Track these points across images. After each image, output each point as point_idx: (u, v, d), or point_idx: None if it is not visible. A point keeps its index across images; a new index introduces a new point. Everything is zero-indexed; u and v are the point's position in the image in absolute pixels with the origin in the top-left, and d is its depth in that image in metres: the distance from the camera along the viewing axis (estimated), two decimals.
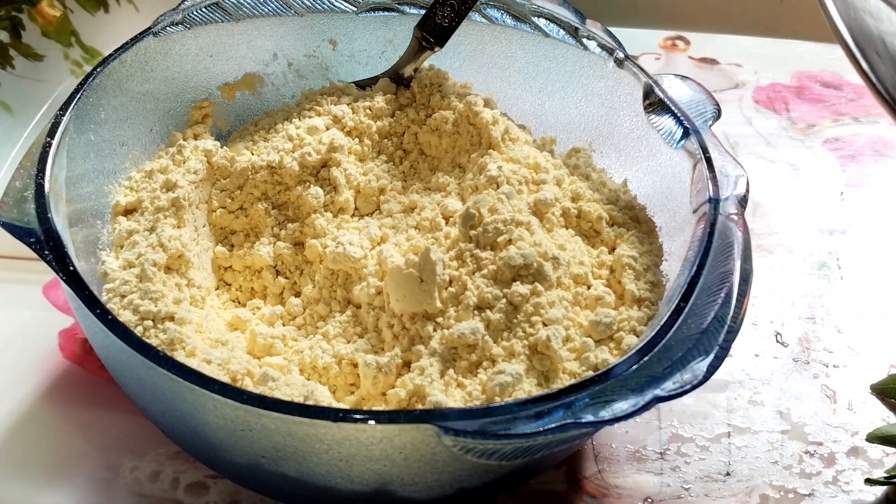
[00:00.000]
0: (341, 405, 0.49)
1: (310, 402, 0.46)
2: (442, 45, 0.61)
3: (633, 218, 0.57)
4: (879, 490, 0.55)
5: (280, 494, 0.50)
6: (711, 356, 0.43)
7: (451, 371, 0.48)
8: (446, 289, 0.50)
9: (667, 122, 0.56)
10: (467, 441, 0.40)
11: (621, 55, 0.60)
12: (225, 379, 0.47)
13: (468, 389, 0.47)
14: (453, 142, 0.61)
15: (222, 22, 0.61)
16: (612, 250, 0.55)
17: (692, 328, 0.44)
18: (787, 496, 0.54)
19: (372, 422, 0.40)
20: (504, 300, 0.49)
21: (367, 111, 0.62)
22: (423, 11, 0.62)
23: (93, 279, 0.48)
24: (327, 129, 0.60)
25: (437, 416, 0.40)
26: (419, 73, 0.63)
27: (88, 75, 0.54)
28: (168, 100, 0.60)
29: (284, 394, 0.46)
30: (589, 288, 0.52)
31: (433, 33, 0.61)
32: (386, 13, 0.65)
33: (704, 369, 0.42)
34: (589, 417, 0.40)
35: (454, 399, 0.47)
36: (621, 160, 0.60)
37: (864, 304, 0.66)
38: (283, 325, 0.55)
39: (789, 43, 0.90)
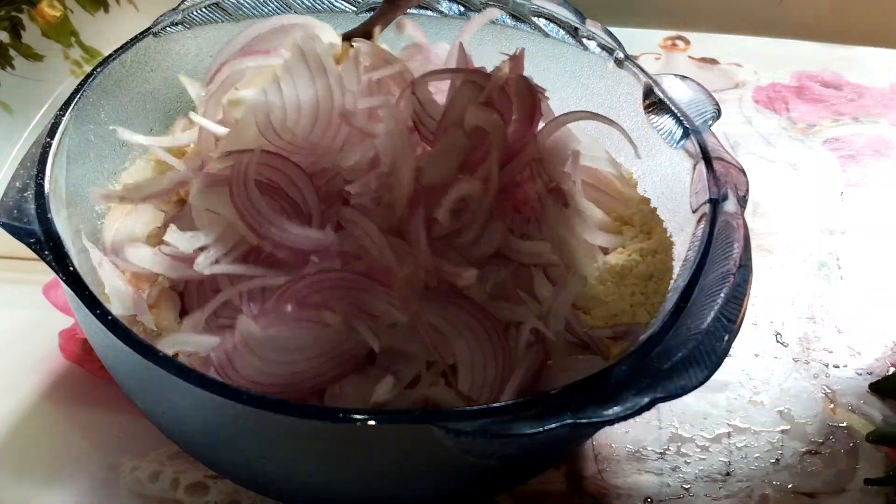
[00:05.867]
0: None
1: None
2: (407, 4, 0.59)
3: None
4: (880, 490, 0.55)
5: (280, 494, 0.50)
6: (711, 356, 0.43)
7: None
8: None
9: (667, 122, 0.56)
10: (467, 441, 0.40)
11: (621, 55, 0.60)
12: None
13: None
14: None
15: (222, 22, 0.61)
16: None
17: (692, 328, 0.44)
18: (787, 496, 0.54)
19: (372, 422, 0.40)
20: None
21: None
22: (421, 11, 0.62)
23: (93, 279, 0.48)
24: None
25: (437, 416, 0.40)
26: None
27: (88, 75, 0.54)
28: (168, 100, 0.60)
29: None
30: None
31: None
32: None
33: (704, 370, 0.42)
34: (589, 417, 0.40)
35: None
36: (621, 160, 0.60)
37: (864, 304, 0.66)
38: None
39: (789, 43, 0.90)
